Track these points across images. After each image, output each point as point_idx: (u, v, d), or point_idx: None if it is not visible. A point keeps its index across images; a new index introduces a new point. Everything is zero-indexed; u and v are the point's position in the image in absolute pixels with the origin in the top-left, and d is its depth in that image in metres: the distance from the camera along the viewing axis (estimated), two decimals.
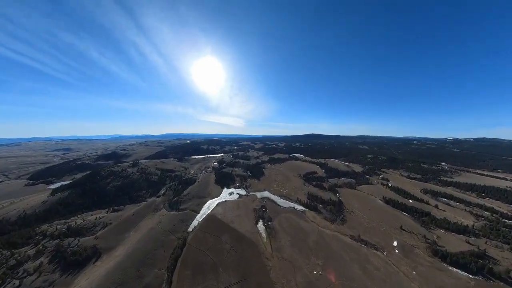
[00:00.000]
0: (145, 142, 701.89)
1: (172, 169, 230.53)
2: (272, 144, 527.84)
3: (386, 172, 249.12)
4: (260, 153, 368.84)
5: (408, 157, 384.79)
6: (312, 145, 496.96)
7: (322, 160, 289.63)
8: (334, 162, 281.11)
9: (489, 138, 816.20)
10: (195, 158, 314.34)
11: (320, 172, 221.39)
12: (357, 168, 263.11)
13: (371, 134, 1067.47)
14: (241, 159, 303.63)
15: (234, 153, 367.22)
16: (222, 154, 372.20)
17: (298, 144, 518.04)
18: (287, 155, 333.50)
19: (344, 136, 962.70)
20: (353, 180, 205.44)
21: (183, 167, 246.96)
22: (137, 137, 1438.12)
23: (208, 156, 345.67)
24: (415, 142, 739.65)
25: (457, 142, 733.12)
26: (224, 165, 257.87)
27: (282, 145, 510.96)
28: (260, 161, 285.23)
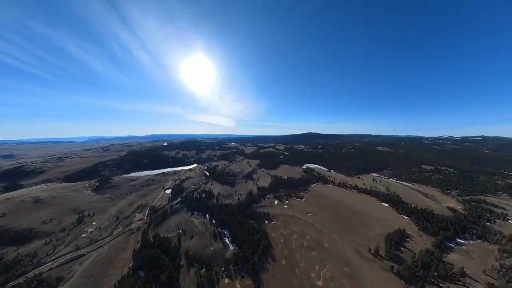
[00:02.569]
0: (111, 145, 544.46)
1: (27, 234, 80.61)
2: (268, 147, 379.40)
3: (500, 207, 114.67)
4: (254, 164, 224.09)
5: (462, 166, 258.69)
6: (323, 148, 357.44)
7: (377, 184, 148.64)
8: (400, 188, 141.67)
9: (491, 137, 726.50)
10: (137, 177, 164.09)
11: (411, 227, 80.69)
12: (445, 199, 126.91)
13: (366, 133, 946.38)
14: (219, 181, 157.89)
15: (212, 165, 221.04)
16: (193, 166, 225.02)
17: (302, 147, 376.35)
18: (299, 169, 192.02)
19: (343, 135, 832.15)
20: (494, 250, 67.99)
21: (70, 225, 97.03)
22: (118, 138, 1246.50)
23: (167, 171, 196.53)
24: (425, 142, 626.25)
25: (472, 141, 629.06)
26: (178, 203, 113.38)
27: (282, 148, 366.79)
28: (256, 189, 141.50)
